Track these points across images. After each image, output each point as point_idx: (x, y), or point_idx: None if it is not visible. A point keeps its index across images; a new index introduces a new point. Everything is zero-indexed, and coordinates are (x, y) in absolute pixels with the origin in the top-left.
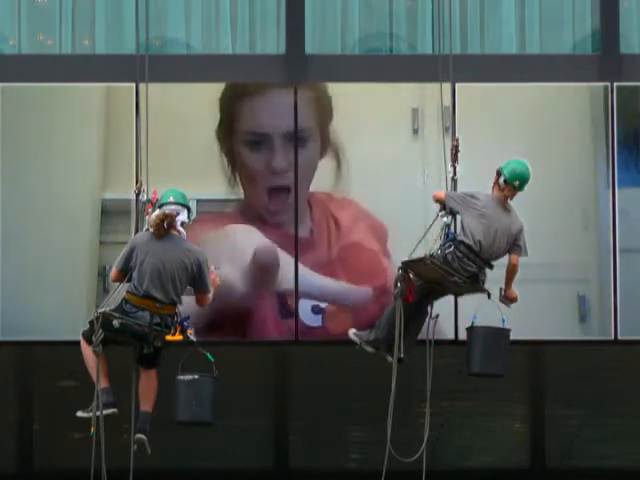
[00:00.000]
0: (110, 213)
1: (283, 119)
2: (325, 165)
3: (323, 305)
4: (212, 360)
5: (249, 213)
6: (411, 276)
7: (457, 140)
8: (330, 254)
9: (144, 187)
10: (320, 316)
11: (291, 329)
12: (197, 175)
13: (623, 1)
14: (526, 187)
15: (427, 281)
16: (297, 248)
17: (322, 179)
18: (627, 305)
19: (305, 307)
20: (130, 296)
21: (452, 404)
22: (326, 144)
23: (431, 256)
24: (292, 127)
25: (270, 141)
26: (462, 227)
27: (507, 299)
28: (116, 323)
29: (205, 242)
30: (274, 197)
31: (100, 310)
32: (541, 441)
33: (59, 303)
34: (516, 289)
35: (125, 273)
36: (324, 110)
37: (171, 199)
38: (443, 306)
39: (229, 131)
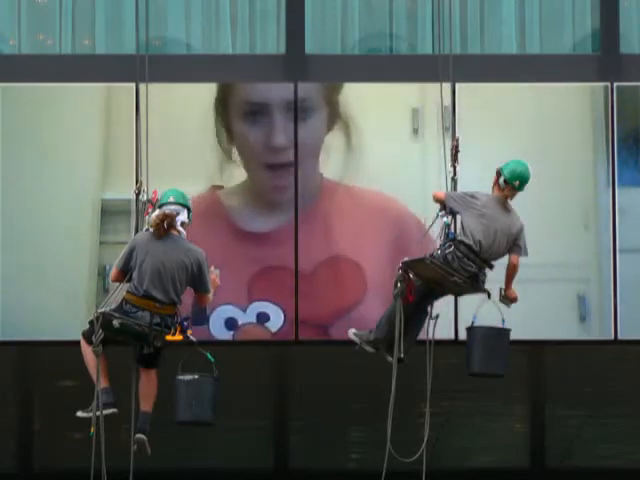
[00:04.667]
0: (110, 213)
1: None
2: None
3: (240, 322)
4: (212, 360)
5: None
6: (411, 276)
7: (457, 140)
8: None
9: (144, 187)
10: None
11: None
12: (197, 175)
13: (623, 1)
14: (526, 187)
15: (427, 281)
16: (297, 243)
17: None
18: (627, 305)
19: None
20: (130, 296)
21: (452, 404)
22: (334, 116)
23: (431, 256)
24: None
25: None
26: (462, 227)
27: (507, 299)
28: (116, 323)
29: None
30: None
31: (100, 310)
32: (541, 441)
33: (59, 303)
34: (516, 289)
35: (125, 273)
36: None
37: (171, 199)
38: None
39: (224, 103)
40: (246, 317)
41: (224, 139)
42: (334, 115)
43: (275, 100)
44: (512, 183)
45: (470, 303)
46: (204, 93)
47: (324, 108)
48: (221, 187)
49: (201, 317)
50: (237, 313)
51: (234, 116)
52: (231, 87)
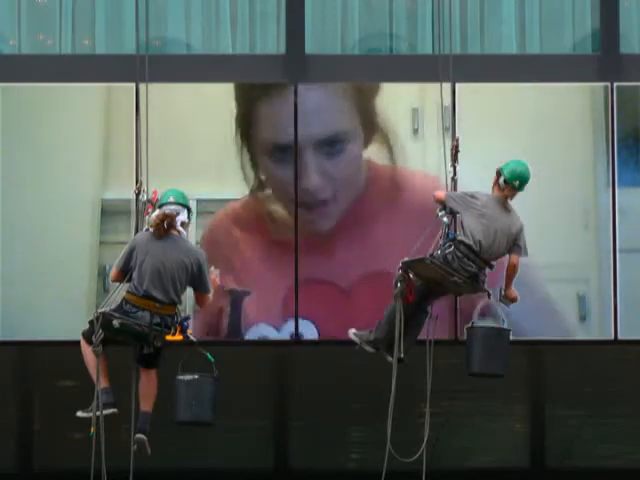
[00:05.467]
0: (110, 213)
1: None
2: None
3: None
4: (212, 360)
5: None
6: (411, 276)
7: (457, 140)
8: None
9: (144, 187)
10: None
11: None
12: (197, 175)
13: (623, 1)
14: (526, 187)
15: (427, 281)
16: (297, 240)
17: None
18: (627, 305)
19: None
20: (130, 296)
21: (452, 404)
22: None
23: (431, 256)
24: (324, 133)
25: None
26: (462, 227)
27: (507, 299)
28: (116, 323)
29: None
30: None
31: (100, 310)
32: (541, 441)
33: (59, 303)
34: (516, 289)
35: (125, 273)
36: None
37: (171, 199)
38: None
39: (246, 139)
40: (280, 336)
41: (251, 172)
42: (371, 134)
43: (303, 138)
44: (512, 183)
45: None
46: (205, 93)
47: (361, 134)
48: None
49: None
50: (271, 332)
51: (259, 153)
52: (254, 125)
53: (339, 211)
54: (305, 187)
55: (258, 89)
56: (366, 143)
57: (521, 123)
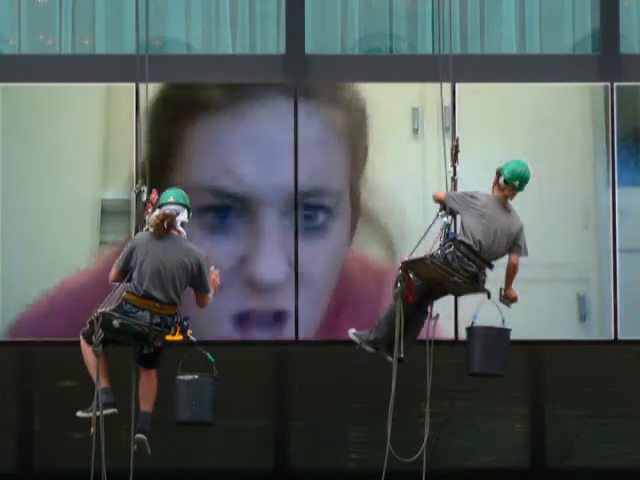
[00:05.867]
0: (110, 213)
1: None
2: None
3: None
4: (212, 360)
5: None
6: (411, 276)
7: (457, 140)
8: None
9: (144, 187)
10: None
11: None
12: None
13: (623, 1)
14: (526, 187)
15: (427, 281)
16: (297, 243)
17: None
18: (627, 305)
19: None
20: (130, 296)
21: (452, 404)
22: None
23: (431, 256)
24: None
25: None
26: (462, 227)
27: (507, 299)
28: (116, 323)
29: None
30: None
31: (100, 310)
32: (541, 441)
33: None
34: (516, 289)
35: (125, 273)
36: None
37: (171, 199)
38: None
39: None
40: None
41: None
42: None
43: (265, 193)
44: (512, 183)
45: (470, 303)
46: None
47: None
48: None
49: None
50: None
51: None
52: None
53: (306, 322)
54: (256, 276)
55: (198, 102)
56: (353, 222)
57: (521, 123)
